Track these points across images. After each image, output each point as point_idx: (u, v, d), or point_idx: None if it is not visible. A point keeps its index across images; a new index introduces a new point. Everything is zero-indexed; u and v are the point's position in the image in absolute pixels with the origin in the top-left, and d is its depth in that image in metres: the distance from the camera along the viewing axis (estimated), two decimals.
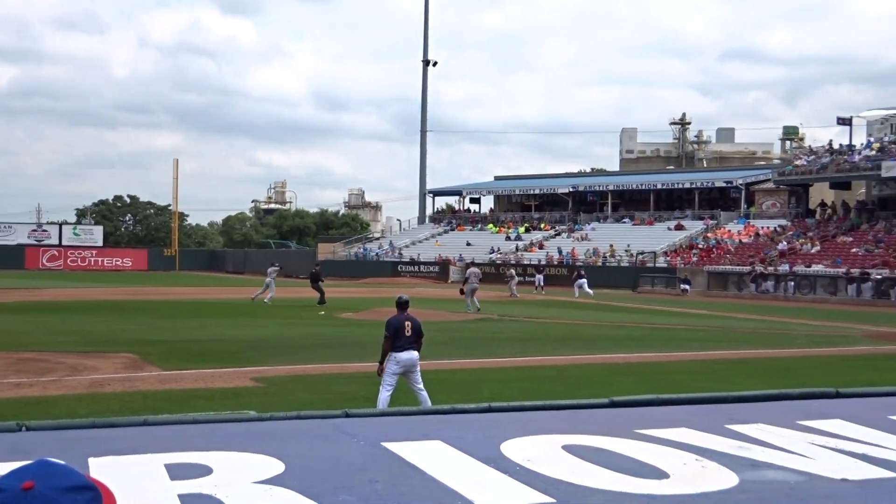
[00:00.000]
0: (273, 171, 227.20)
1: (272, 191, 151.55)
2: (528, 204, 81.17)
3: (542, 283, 51.29)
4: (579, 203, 75.93)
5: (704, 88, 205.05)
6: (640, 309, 37.32)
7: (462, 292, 33.51)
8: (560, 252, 64.41)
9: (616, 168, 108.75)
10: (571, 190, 74.84)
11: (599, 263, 60.77)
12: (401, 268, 67.54)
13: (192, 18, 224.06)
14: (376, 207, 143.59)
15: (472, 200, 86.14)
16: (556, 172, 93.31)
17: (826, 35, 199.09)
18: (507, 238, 71.26)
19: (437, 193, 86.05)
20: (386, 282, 59.67)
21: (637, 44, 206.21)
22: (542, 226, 73.65)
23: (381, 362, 11.31)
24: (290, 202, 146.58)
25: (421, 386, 11.38)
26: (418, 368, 11.43)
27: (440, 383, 14.52)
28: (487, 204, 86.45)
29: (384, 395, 11.08)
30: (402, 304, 11.57)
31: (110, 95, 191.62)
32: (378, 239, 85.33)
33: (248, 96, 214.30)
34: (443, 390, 13.55)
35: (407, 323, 11.29)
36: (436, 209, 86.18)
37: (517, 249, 68.04)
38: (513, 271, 45.96)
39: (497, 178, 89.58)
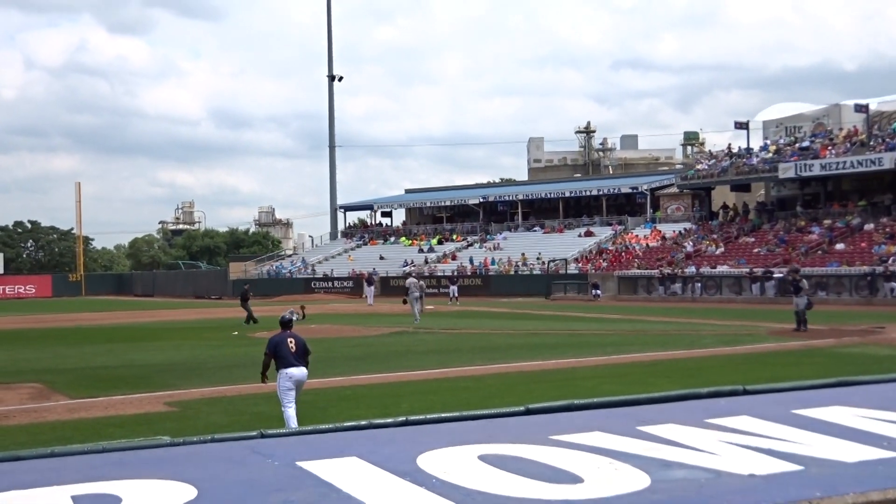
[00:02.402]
0: (178, 192, 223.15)
1: (180, 211, 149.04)
2: (439, 216, 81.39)
3: (456, 294, 51.40)
4: (490, 213, 76.46)
5: (601, 97, 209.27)
6: (554, 316, 37.66)
7: (405, 302, 34.08)
8: (472, 262, 64.79)
9: (525, 177, 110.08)
10: (482, 200, 75.37)
11: (512, 272, 61.26)
12: (314, 284, 66.84)
13: (78, 38, 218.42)
14: (287, 224, 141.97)
15: (384, 214, 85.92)
16: (465, 184, 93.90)
17: (712, 43, 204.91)
18: (420, 250, 71.34)
19: (348, 209, 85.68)
20: (300, 299, 58.51)
21: (533, 55, 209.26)
22: (454, 237, 73.94)
23: (263, 374, 11.92)
24: (199, 222, 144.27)
25: (296, 402, 11.63)
26: (302, 386, 11.79)
27: (357, 399, 14.46)
28: (399, 217, 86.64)
29: (288, 412, 11.38)
30: (284, 324, 12.00)
31: (1, 118, 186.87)
32: (290, 256, 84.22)
33: (144, 116, 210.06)
34: (360, 406, 13.56)
35: (290, 340, 11.69)
36: (347, 224, 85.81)
37: (427, 262, 67.67)
38: (418, 282, 40.32)
39: (408, 192, 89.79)
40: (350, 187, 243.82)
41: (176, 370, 19.34)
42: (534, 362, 19.50)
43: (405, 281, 39.57)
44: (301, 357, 11.70)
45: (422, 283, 41.35)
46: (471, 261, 65.01)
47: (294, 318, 12.23)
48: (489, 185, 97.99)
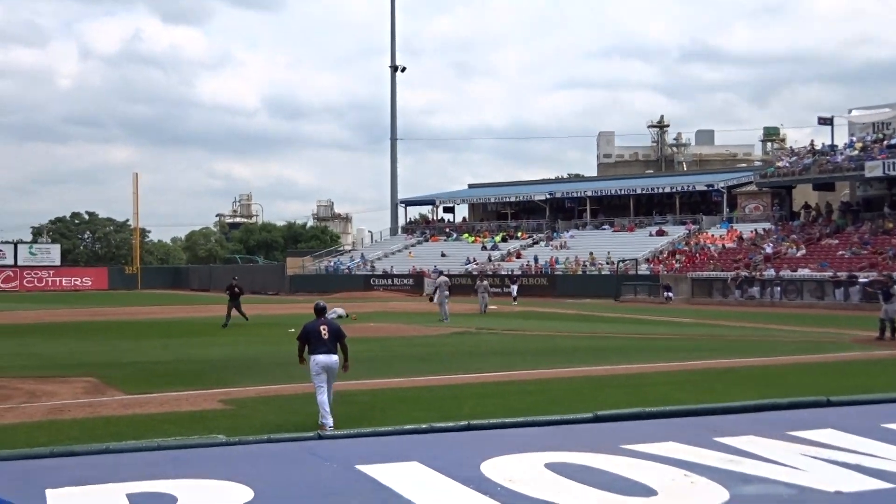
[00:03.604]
0: (234, 184, 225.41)
1: (237, 204, 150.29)
2: (503, 212, 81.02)
3: (515, 294, 51.40)
4: (557, 210, 75.78)
5: (670, 90, 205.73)
6: (623, 318, 37.29)
7: (431, 300, 34.26)
8: (537, 261, 64.37)
9: (593, 173, 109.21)
10: (548, 197, 74.81)
11: (579, 272, 60.72)
12: (374, 281, 67.09)
13: (133, 28, 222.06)
14: (346, 219, 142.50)
15: (446, 210, 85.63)
16: (531, 179, 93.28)
17: (788, 34, 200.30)
18: (483, 248, 71.07)
19: (408, 203, 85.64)
20: (359, 296, 59.11)
21: (597, 47, 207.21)
22: (519, 234, 73.61)
23: (300, 356, 12.56)
24: (257, 215, 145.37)
25: (331, 387, 12.32)
26: (335, 371, 12.45)
27: (417, 401, 14.38)
28: (462, 213, 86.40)
29: (320, 398, 12.10)
30: (318, 311, 12.80)
31: (58, 108, 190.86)
32: (349, 251, 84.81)
33: (200, 106, 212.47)
34: (421, 408, 13.49)
35: (323, 327, 12.43)
36: (408, 220, 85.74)
37: (490, 259, 67.27)
38: (486, 283, 42.95)
39: (471, 186, 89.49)
40: (410, 181, 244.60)
41: (231, 367, 19.44)
42: (601, 367, 19.31)
43: (436, 280, 39.76)
44: (332, 343, 12.40)
45: (486, 282, 42.16)
46: (536, 259, 64.64)
47: (342, 315, 12.60)
48: (556, 180, 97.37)
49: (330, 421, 11.81)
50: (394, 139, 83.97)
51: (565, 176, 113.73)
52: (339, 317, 36.44)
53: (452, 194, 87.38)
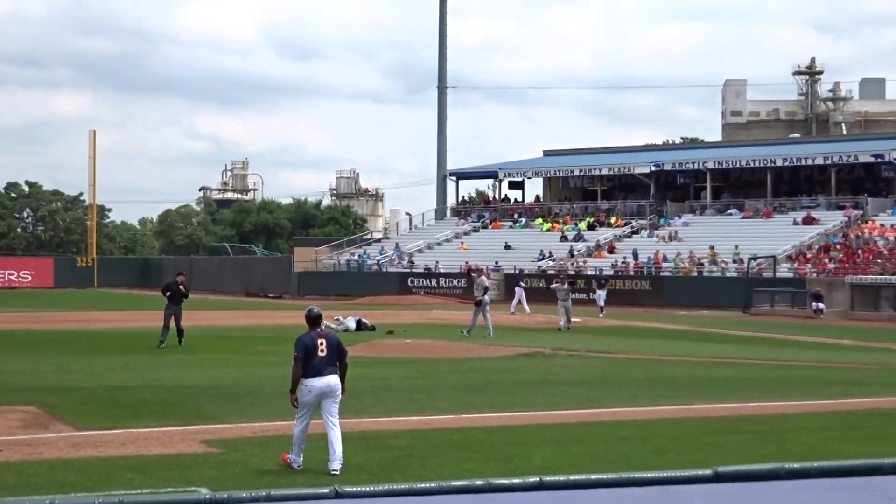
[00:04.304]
0: (224, 147, 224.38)
1: (228, 174, 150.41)
2: (591, 189, 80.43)
3: (603, 302, 50.96)
4: (665, 188, 75.42)
5: (825, 24, 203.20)
6: (756, 338, 36.91)
7: (478, 304, 35.39)
8: (636, 257, 63.69)
9: (717, 137, 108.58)
10: (654, 169, 74.01)
11: (694, 273, 60.09)
12: (412, 281, 66.69)
13: None
14: (376, 197, 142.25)
15: (512, 185, 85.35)
16: (629, 145, 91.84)
17: None
18: (563, 238, 70.44)
19: (461, 176, 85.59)
20: (392, 301, 58.83)
21: None
22: (613, 220, 73.09)
23: (293, 390, 12.69)
24: (254, 190, 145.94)
25: (335, 420, 12.59)
26: (338, 396, 12.70)
27: (470, 446, 14.27)
28: (534, 190, 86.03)
29: (299, 427, 12.54)
30: (312, 320, 12.97)
31: None
32: (379, 241, 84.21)
33: (177, 42, 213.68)
34: (475, 457, 13.41)
35: (320, 341, 12.63)
36: (460, 198, 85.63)
37: (573, 254, 66.76)
38: (567, 286, 42.28)
39: (547, 154, 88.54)
40: (463, 146, 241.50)
41: (219, 395, 19.45)
42: (724, 405, 19.10)
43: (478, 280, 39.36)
44: (333, 362, 12.65)
45: (566, 285, 41.67)
46: (635, 255, 64.06)
47: (350, 328, 12.77)
48: (665, 147, 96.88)
49: (300, 460, 12.38)
50: (442, 88, 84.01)
51: (677, 141, 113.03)
52: (348, 329, 36.66)
53: (522, 164, 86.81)
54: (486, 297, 36.11)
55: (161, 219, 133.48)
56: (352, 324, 36.89)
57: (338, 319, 37.37)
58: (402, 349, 29.46)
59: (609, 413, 18.07)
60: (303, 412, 12.53)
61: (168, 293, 30.46)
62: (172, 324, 30.00)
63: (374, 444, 13.76)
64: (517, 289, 52.31)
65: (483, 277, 38.60)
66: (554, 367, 26.25)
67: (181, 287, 30.61)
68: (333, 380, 12.54)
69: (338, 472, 11.95)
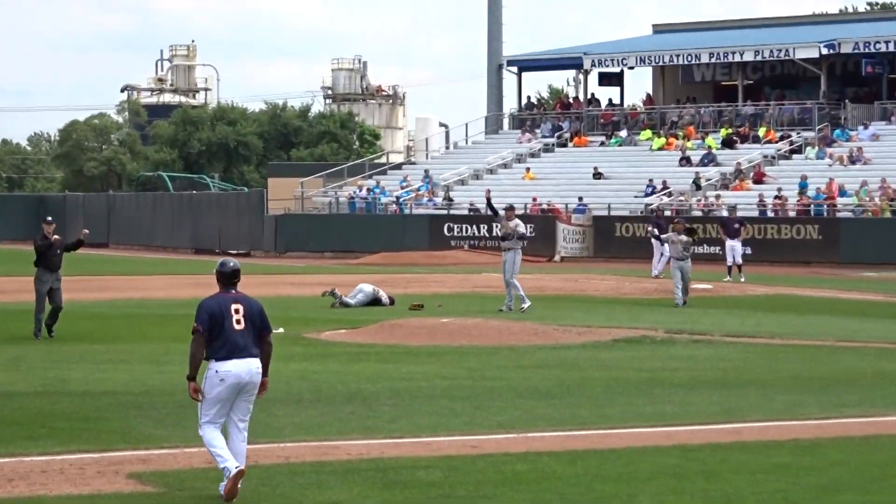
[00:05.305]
0: (159, 22, 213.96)
1: (165, 66, 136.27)
2: (728, 85, 74.32)
3: (738, 260, 46.46)
4: (844, 81, 70.07)
5: None
6: None
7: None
8: (804, 189, 58.34)
9: None
10: (826, 53, 67.79)
11: (888, 213, 55.78)
12: (450, 228, 63.25)
13: None
14: (393, 99, 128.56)
15: (605, 80, 79.28)
16: (789, 15, 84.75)
17: None
18: (684, 160, 65.93)
19: (526, 66, 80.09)
20: (420, 260, 57.96)
21: None
22: (761, 132, 66.34)
23: (193, 376, 12.08)
24: (207, 90, 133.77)
25: (244, 426, 12.27)
26: (255, 392, 12.21)
27: (543, 481, 13.27)
28: (638, 85, 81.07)
29: (208, 433, 12.03)
30: (227, 276, 12.33)
31: None
32: (401, 167, 78.67)
33: None
34: (550, 499, 12.48)
35: (235, 307, 12.00)
36: (523, 101, 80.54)
37: (698, 185, 61.78)
38: (684, 237, 38.00)
39: (658, 31, 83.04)
40: (529, 21, 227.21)
41: (153, 406, 18.39)
42: None
43: (507, 223, 35.91)
44: (253, 340, 12.05)
45: (684, 236, 37.70)
46: (802, 186, 59.18)
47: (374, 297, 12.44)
48: (842, 16, 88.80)
49: (233, 465, 11.81)
50: None
51: (861, 9, 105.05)
52: (377, 301, 36.26)
53: (619, 48, 79.77)
54: (518, 248, 34.28)
55: (63, 136, 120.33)
56: (368, 292, 35.65)
57: (358, 288, 36.11)
58: (437, 333, 28.39)
59: (755, 430, 16.70)
60: (212, 410, 12.01)
61: (41, 249, 27.64)
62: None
63: (395, 478, 12.96)
64: (655, 233, 45.65)
65: (517, 220, 35.85)
66: (669, 360, 24.86)
67: (51, 243, 27.73)
68: (255, 365, 11.94)
69: (242, 468, 11.77)
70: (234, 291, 12.13)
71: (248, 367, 11.81)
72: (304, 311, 34.47)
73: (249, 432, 12.87)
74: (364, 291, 35.39)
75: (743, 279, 45.18)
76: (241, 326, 11.79)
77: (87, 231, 30.14)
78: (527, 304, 33.45)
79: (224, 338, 11.75)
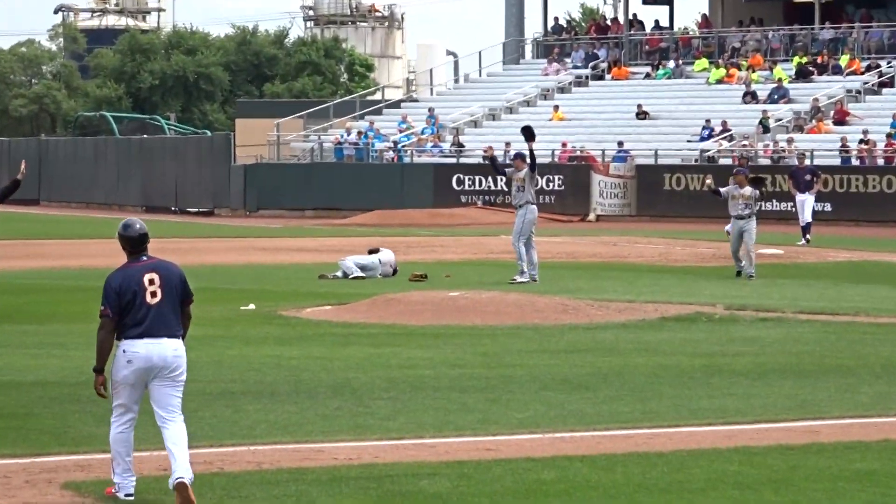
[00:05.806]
0: None
1: None
2: (799, 2, 71.30)
3: (808, 218, 45.23)
4: None
5: None
6: None
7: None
8: (895, 129, 55.74)
9: None
10: None
11: None
12: (460, 181, 62.30)
13: None
14: (389, 21, 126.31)
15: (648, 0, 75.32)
16: None
17: None
18: (748, 96, 62.78)
19: None
20: (425, 220, 58.19)
21: None
22: (844, 62, 62.98)
23: (101, 369, 11.69)
24: (160, 11, 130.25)
25: (175, 416, 11.76)
26: (181, 376, 11.72)
27: (574, 492, 12.77)
28: (692, 4, 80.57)
29: (117, 428, 11.78)
30: (134, 242, 11.91)
31: None
32: (399, 105, 75.40)
33: None
34: None
35: (149, 278, 11.60)
36: (549, 25, 79.23)
37: (765, 127, 60.32)
38: (748, 189, 35.67)
39: None
40: None
41: (93, 401, 16.71)
42: None
43: (515, 174, 35.07)
44: (173, 314, 11.69)
45: (748, 189, 35.96)
46: (893, 127, 56.49)
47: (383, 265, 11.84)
48: None
49: (130, 483, 11.74)
50: None
51: None
52: (394, 271, 35.69)
53: None
54: (528, 204, 33.25)
55: None
56: (381, 257, 35.07)
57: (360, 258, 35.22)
58: (443, 311, 28.11)
59: (836, 428, 16.10)
60: (121, 400, 11.68)
61: None
62: None
63: (392, 489, 12.56)
64: (800, 184, 44.50)
65: (526, 170, 34.69)
66: (730, 343, 24.47)
67: None
68: (172, 346, 11.55)
69: (185, 480, 11.24)
70: (145, 258, 11.67)
71: (160, 350, 11.39)
72: (279, 282, 34.20)
73: (213, 431, 12.22)
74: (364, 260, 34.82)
75: (803, 241, 44.66)
76: (158, 299, 11.40)
77: (26, 166, 28.03)
78: (522, 279, 32.63)
79: (135, 314, 11.41)
